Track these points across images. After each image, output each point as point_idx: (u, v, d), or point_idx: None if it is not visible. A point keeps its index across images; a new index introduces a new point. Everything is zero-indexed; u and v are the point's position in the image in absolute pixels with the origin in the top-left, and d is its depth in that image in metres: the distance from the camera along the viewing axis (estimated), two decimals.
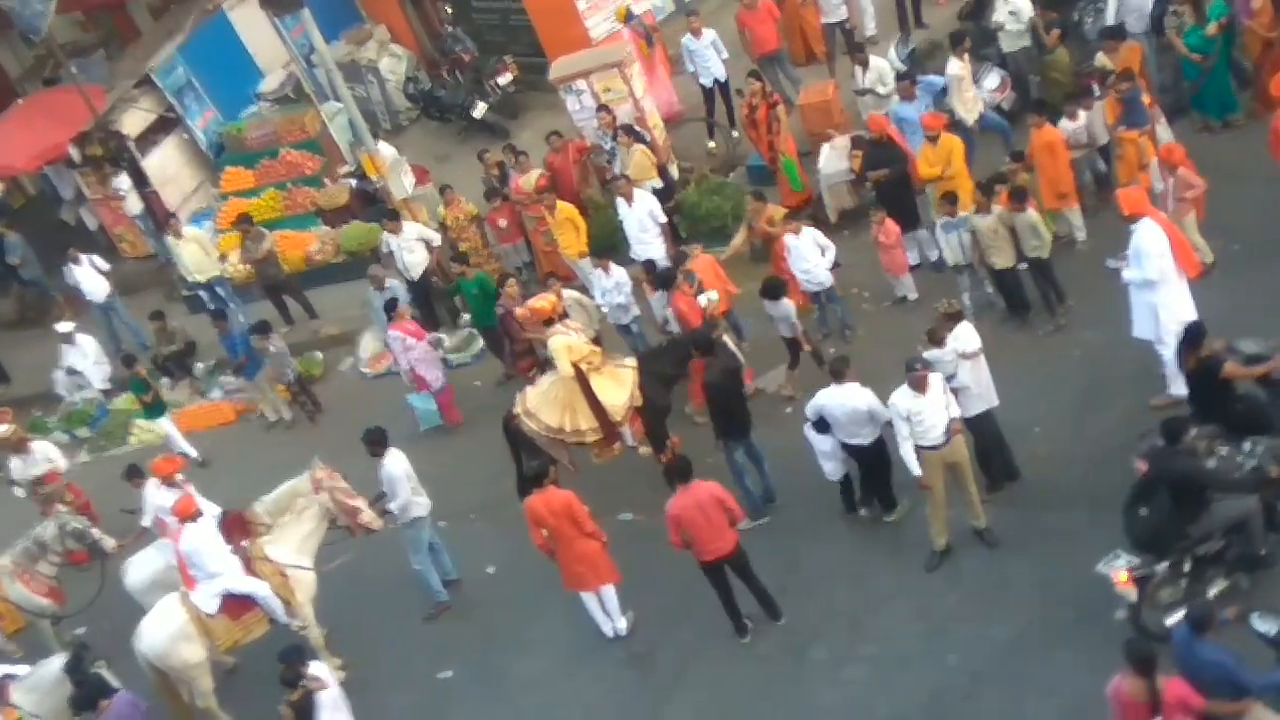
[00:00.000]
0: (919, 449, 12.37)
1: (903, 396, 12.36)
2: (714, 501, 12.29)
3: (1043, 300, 14.98)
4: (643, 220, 16.81)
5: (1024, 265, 14.78)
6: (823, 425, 13.08)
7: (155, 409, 17.86)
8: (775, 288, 14.99)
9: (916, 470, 12.44)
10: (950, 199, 14.95)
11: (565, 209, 17.49)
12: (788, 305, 15.04)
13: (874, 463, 13.21)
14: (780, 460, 14.13)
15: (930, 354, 12.72)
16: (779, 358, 15.70)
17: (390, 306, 16.88)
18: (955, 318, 13.03)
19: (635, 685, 12.85)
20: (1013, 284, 14.98)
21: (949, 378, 12.65)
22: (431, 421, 17.05)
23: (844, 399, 12.82)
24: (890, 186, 16.14)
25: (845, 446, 13.12)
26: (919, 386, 12.23)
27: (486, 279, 17.38)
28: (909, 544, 13.06)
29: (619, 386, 14.47)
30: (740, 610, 12.79)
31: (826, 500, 13.87)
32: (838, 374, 12.91)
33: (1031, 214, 14.41)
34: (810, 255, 15.57)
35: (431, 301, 18.05)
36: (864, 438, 12.96)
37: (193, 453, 17.64)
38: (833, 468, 13.34)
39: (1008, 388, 13.25)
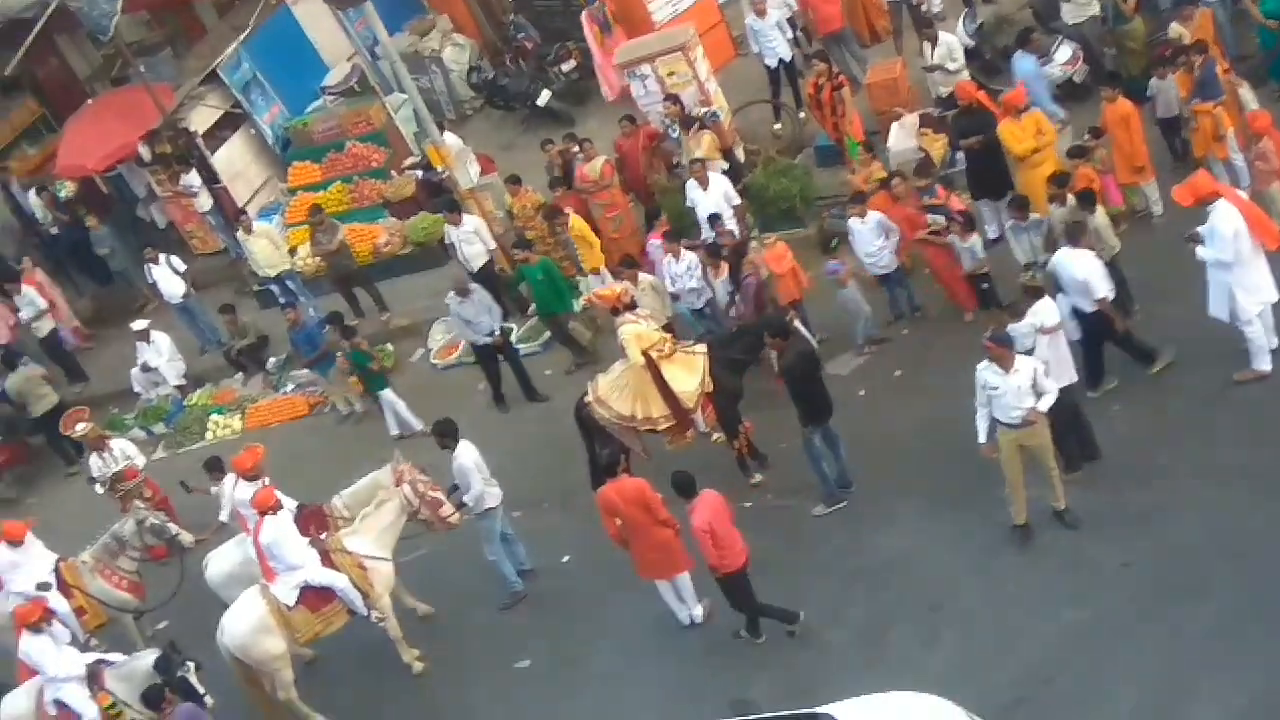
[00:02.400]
0: (996, 423, 12.26)
1: (987, 369, 12.24)
2: (725, 506, 12.36)
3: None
4: (718, 203, 16.71)
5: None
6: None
7: (377, 380, 17.48)
8: None
9: (982, 437, 12.39)
10: (1020, 203, 14.70)
11: (577, 224, 17.48)
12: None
13: (1098, 327, 13.30)
14: (855, 445, 14.02)
15: (1010, 327, 12.66)
16: (846, 344, 15.60)
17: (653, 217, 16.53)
18: (1036, 292, 12.91)
19: (712, 672, 12.77)
20: None
21: (1026, 352, 12.54)
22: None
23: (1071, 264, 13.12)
24: (980, 154, 15.88)
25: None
26: (1003, 363, 12.11)
27: (551, 265, 17.35)
28: (985, 527, 12.90)
29: (690, 373, 14.39)
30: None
31: (901, 485, 13.76)
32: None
33: (1100, 218, 14.15)
34: (874, 239, 15.45)
35: (498, 291, 18.03)
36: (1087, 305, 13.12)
37: (418, 424, 17.20)
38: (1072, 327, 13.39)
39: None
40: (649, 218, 18.44)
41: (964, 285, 15.32)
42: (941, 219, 15.02)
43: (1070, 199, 14.20)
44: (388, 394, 17.44)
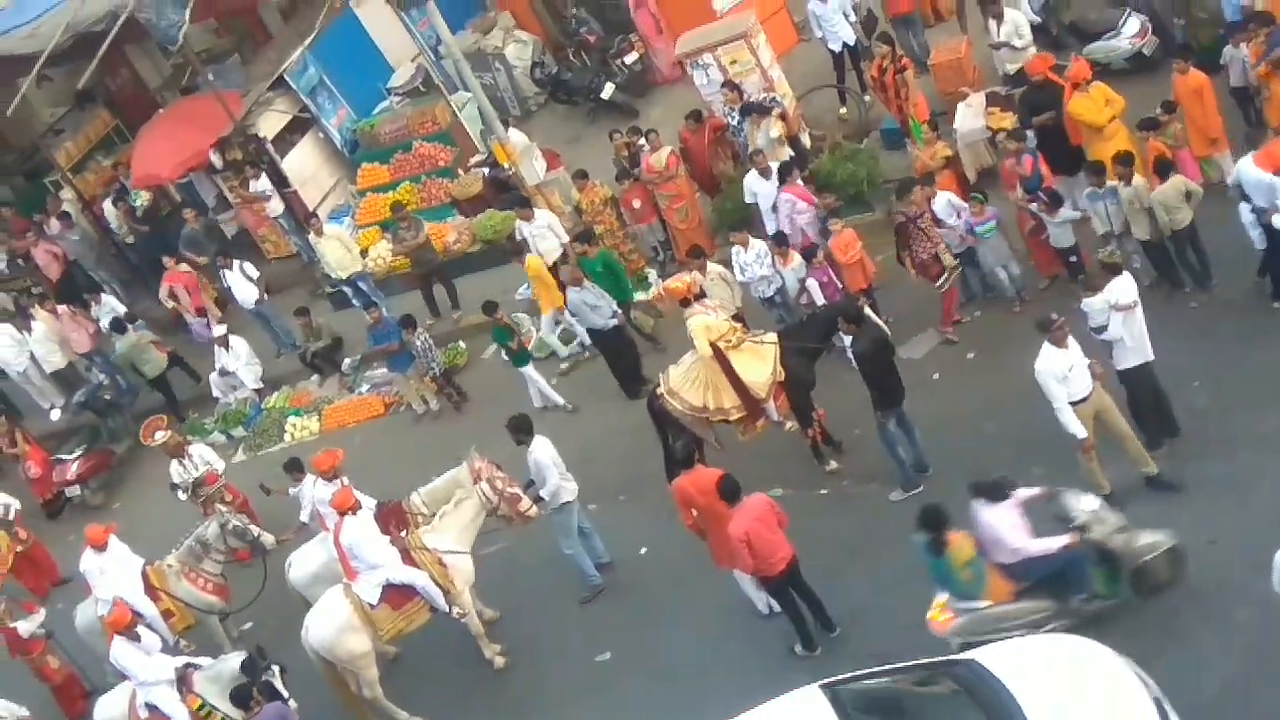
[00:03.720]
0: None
1: (1049, 357, 12.13)
2: (770, 512, 12.29)
3: (1190, 272, 14.55)
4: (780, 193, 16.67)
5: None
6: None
7: (521, 356, 17.42)
8: None
9: (1082, 432, 12.26)
10: (1096, 169, 14.52)
11: (533, 265, 17.59)
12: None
13: None
14: (931, 429, 13.92)
15: (1084, 303, 12.62)
16: (918, 328, 15.48)
17: (786, 170, 16.55)
18: (1113, 269, 12.77)
19: (793, 660, 12.73)
20: (1160, 255, 14.56)
21: (1100, 329, 12.44)
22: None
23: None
24: (1051, 131, 15.69)
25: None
26: (1059, 341, 12.01)
27: (609, 256, 17.36)
28: None
29: (761, 363, 14.35)
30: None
31: (978, 468, 13.61)
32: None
33: (1176, 182, 13.93)
34: (945, 218, 15.31)
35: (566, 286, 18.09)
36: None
37: (559, 400, 17.32)
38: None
39: (1163, 340, 12.90)
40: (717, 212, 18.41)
41: (1048, 250, 15.22)
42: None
43: (1137, 178, 14.03)
44: (530, 369, 17.35)
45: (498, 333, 17.33)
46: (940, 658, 10.89)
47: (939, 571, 11.47)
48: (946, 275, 15.29)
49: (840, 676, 10.71)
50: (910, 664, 10.84)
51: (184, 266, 20.91)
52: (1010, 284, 15.52)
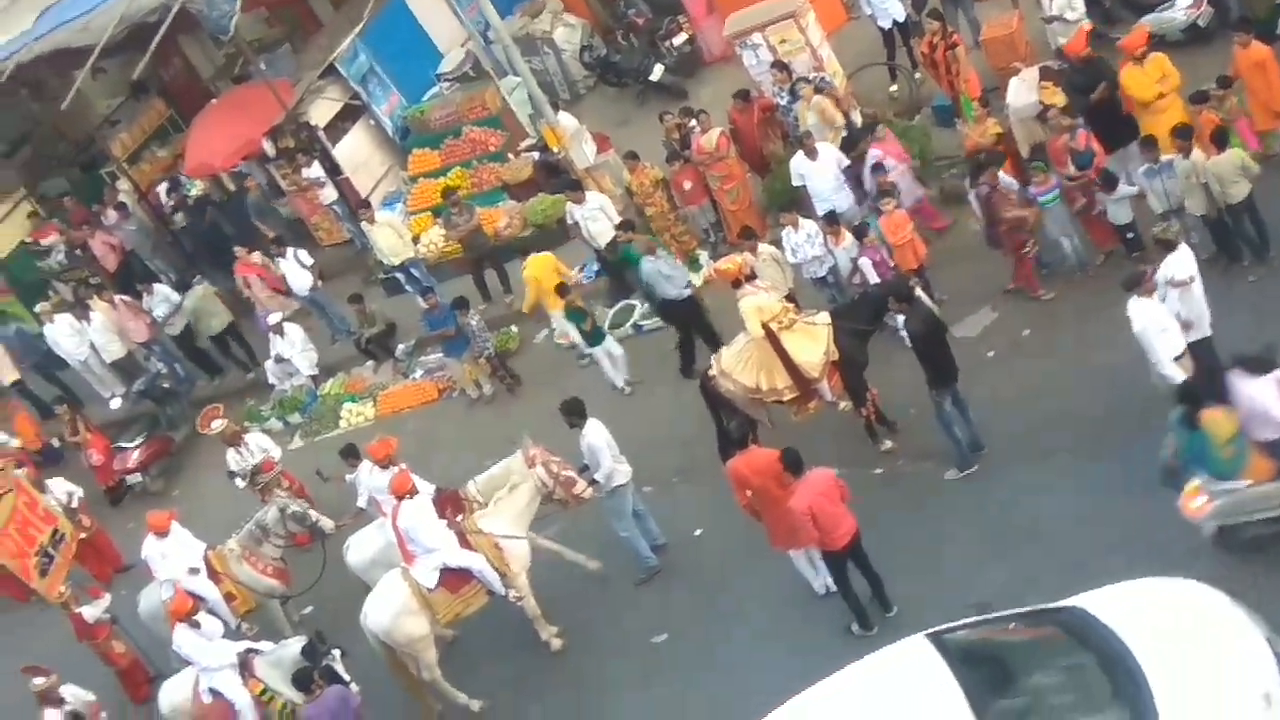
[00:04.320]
0: None
1: (1148, 310, 12.12)
2: (833, 485, 12.27)
3: (1249, 245, 14.36)
4: (834, 172, 16.58)
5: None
6: None
7: (595, 335, 17.33)
8: None
9: (1179, 374, 12.15)
10: (1150, 144, 14.36)
11: (533, 266, 17.78)
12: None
13: None
14: (986, 407, 13.85)
15: None
16: (972, 307, 15.39)
17: (868, 130, 16.61)
18: (1169, 245, 12.65)
19: (850, 640, 12.71)
20: (1218, 228, 14.39)
21: None
22: None
23: None
24: (1102, 106, 15.53)
25: None
26: (1151, 293, 11.98)
27: (654, 243, 17.35)
28: (1122, 485, 12.60)
29: (813, 343, 14.32)
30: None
31: (1035, 446, 13.57)
32: None
33: (1235, 154, 13.76)
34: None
35: (621, 270, 18.10)
36: None
37: (620, 381, 17.30)
38: None
39: (1221, 315, 12.78)
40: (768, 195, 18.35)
41: (1102, 225, 15.11)
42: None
43: (1196, 150, 13.87)
44: (604, 347, 17.31)
45: (571, 314, 17.32)
46: (1043, 605, 10.77)
47: (1194, 449, 11.13)
48: (1031, 242, 15.16)
49: (944, 626, 10.64)
50: (1014, 612, 10.76)
51: (256, 256, 21.00)
52: (1072, 254, 15.38)
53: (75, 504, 18.39)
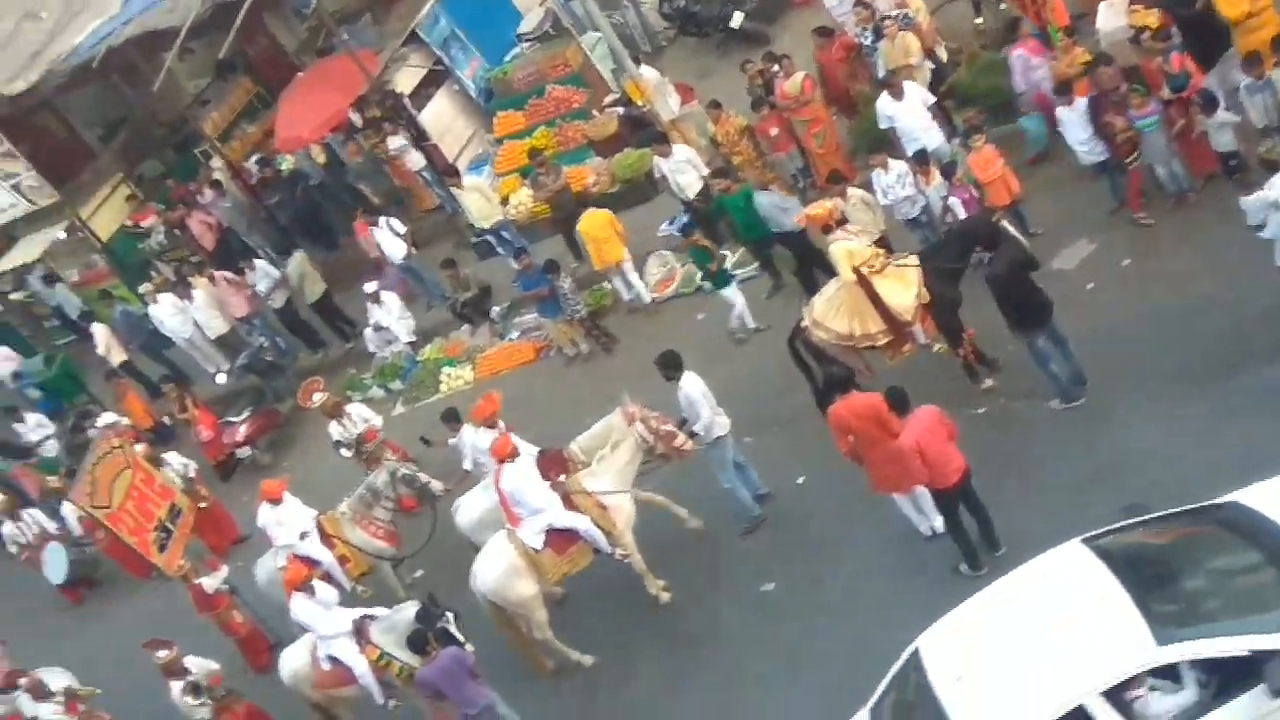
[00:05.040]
0: None
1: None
2: (940, 423, 12.14)
3: None
4: (922, 111, 16.37)
5: None
6: None
7: (721, 278, 17.16)
8: None
9: None
10: (1254, 60, 13.98)
11: (590, 223, 17.95)
12: None
13: None
14: (1088, 339, 13.65)
15: (1241, 201, 12.40)
16: (1069, 239, 15.14)
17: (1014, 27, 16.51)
18: (1273, 166, 12.35)
19: (959, 582, 12.62)
20: None
21: (1258, 227, 12.10)
22: (1039, 145, 16.56)
23: None
24: (1194, 24, 15.15)
25: None
26: None
27: (752, 192, 17.22)
28: (1227, 414, 12.36)
29: (904, 286, 14.18)
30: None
31: (1138, 377, 13.36)
32: None
33: None
34: (1085, 125, 14.94)
35: (711, 220, 18.04)
36: None
37: (751, 323, 17.15)
38: None
39: None
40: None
41: (1200, 149, 14.80)
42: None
43: None
44: (729, 291, 17.19)
45: (696, 254, 17.24)
46: (1198, 504, 10.63)
47: None
48: (1137, 153, 14.89)
49: (1100, 530, 10.56)
50: (1168, 512, 10.63)
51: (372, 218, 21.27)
52: (1172, 181, 15.07)
53: (192, 474, 18.83)
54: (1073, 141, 15.32)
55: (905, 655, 10.59)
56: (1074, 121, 15.13)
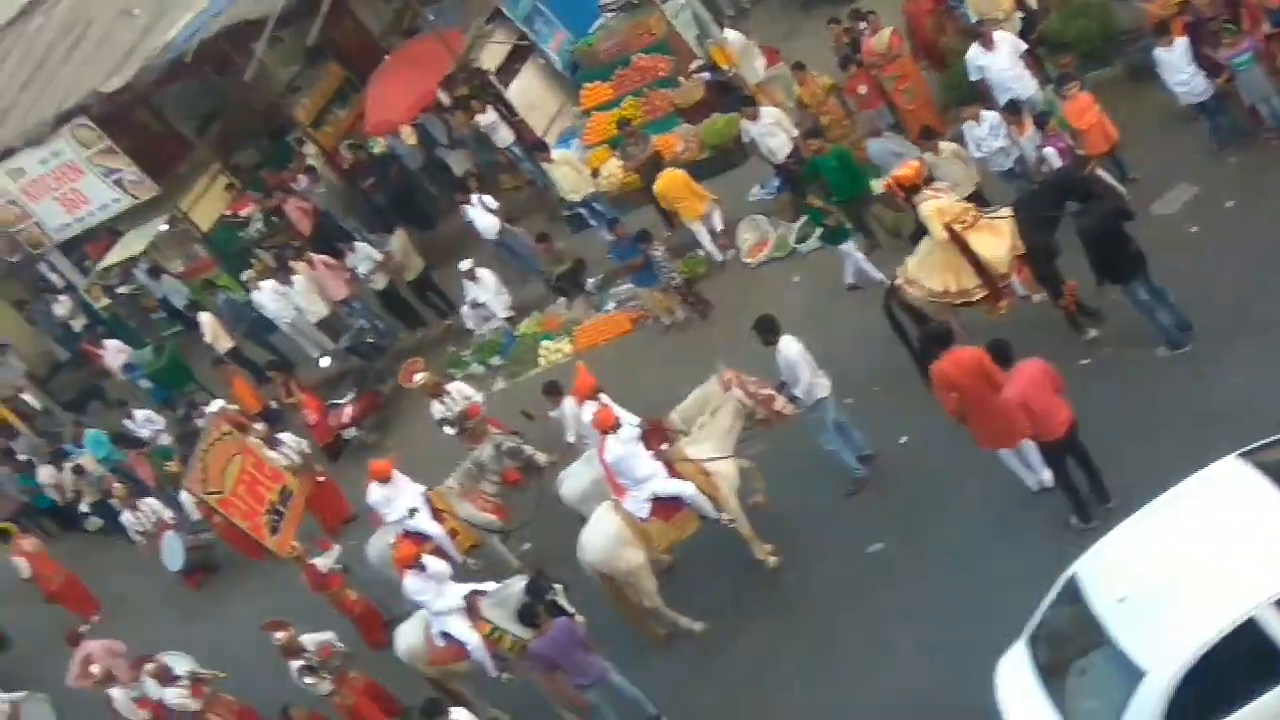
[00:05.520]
0: None
1: None
2: (1045, 374, 11.97)
3: None
4: (1012, 61, 16.12)
5: None
6: None
7: (839, 234, 16.87)
8: None
9: None
10: None
11: (667, 183, 17.85)
12: None
13: None
14: (1193, 286, 13.40)
15: None
16: (1169, 183, 14.84)
17: None
18: None
19: (1070, 536, 12.47)
20: None
21: None
22: None
23: None
24: None
25: None
26: None
27: (844, 152, 17.08)
28: None
29: (998, 238, 14.01)
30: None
31: (1248, 321, 13.07)
32: None
33: None
34: (1184, 66, 14.61)
35: (803, 182, 17.92)
36: None
37: (878, 275, 16.67)
38: None
39: None
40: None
41: None
42: None
43: None
44: (847, 246, 17.00)
45: (812, 214, 17.16)
46: None
47: None
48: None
49: (1255, 444, 10.45)
50: None
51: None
52: (1274, 118, 14.70)
53: (307, 450, 19.18)
54: (1171, 82, 15.02)
55: (1061, 582, 10.57)
56: (1173, 62, 14.82)
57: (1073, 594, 10.37)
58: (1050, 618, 10.64)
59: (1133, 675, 9.58)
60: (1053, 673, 10.39)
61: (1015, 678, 10.64)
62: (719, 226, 19.03)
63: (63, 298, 27.41)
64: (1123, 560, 10.28)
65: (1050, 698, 10.25)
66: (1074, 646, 10.32)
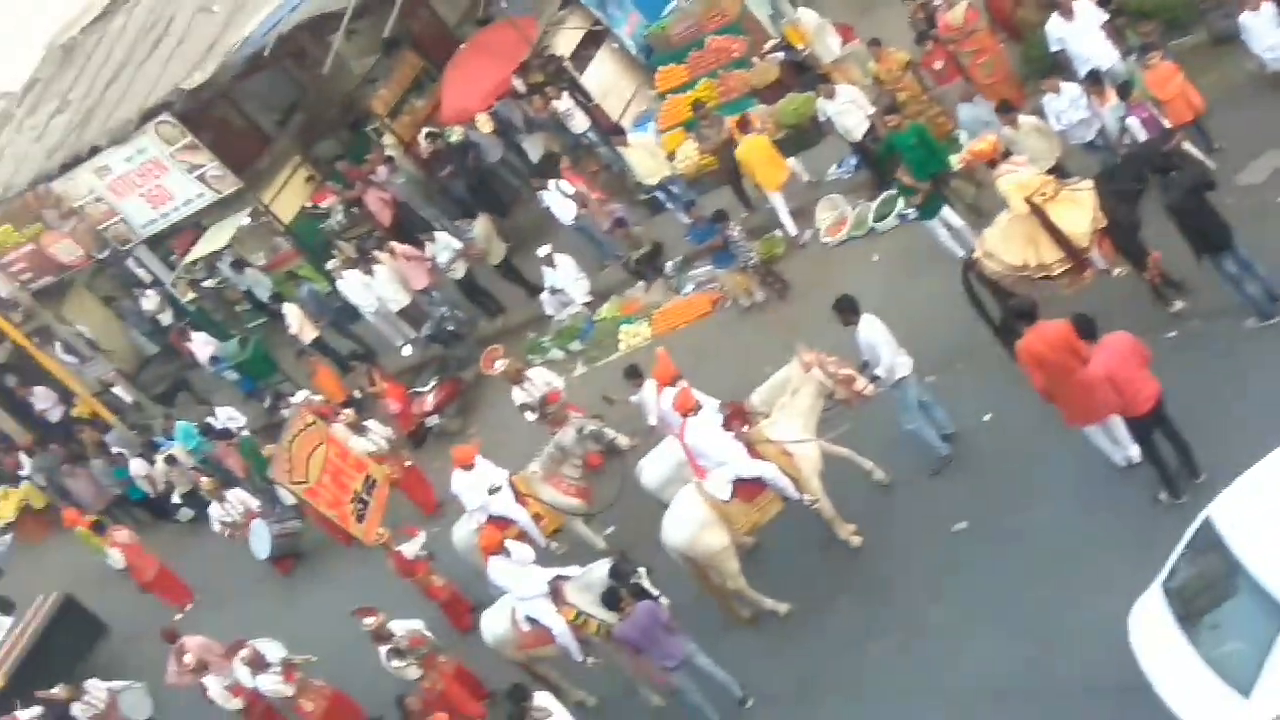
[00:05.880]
0: None
1: None
2: (1132, 348, 11.76)
3: None
4: (1092, 31, 15.88)
5: None
6: None
7: (930, 209, 16.53)
8: None
9: None
10: None
11: (750, 149, 17.85)
12: None
13: None
14: (1278, 258, 13.12)
15: None
16: (1255, 153, 14.54)
17: None
18: None
19: (1159, 511, 12.33)
20: None
21: None
22: None
23: None
24: None
25: None
26: None
27: (922, 129, 16.90)
28: None
29: (1079, 211, 13.80)
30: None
31: None
32: None
33: None
34: (1271, 30, 14.30)
35: (881, 160, 17.79)
36: None
37: (961, 253, 16.34)
38: None
39: None
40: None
41: None
42: None
43: None
44: (940, 217, 16.68)
45: (902, 190, 16.96)
46: None
47: None
48: None
49: None
50: None
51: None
52: None
53: (395, 436, 19.39)
54: (1258, 48, 14.71)
55: (1195, 526, 10.46)
56: (1259, 27, 14.52)
57: (1208, 538, 10.23)
58: (1184, 561, 10.51)
59: (1277, 614, 9.46)
60: (1190, 617, 10.29)
61: (1152, 625, 10.54)
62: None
63: (150, 292, 27.87)
64: (1260, 501, 10.11)
65: (1191, 642, 10.15)
66: (1212, 591, 10.20)
